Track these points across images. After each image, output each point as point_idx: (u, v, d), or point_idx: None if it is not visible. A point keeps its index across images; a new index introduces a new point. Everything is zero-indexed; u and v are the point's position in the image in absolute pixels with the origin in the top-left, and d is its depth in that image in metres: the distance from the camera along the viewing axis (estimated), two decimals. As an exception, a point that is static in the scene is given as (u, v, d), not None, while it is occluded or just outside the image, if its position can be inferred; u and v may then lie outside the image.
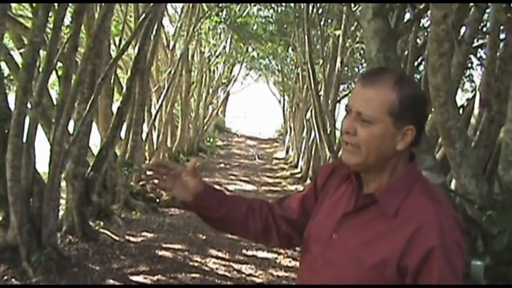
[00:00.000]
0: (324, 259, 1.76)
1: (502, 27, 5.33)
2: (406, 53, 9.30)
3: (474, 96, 6.45)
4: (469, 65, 10.59)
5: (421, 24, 8.53)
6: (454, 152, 3.62)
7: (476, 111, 5.08)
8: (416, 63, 9.16)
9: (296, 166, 18.89)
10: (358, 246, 1.68)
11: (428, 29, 9.10)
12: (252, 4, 17.06)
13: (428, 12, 6.84)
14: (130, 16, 11.50)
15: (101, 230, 8.18)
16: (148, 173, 1.95)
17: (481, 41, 8.65)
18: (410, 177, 1.71)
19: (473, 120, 5.14)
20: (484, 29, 7.73)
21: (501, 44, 5.15)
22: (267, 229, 1.98)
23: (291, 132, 22.55)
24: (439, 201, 1.66)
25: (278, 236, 1.99)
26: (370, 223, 1.69)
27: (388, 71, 1.75)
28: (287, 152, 23.20)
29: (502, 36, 5.55)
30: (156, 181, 1.93)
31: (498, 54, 5.04)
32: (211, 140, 24.69)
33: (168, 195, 11.32)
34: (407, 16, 7.48)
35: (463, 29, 6.34)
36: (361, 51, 15.46)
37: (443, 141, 3.75)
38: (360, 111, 1.64)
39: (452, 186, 4.61)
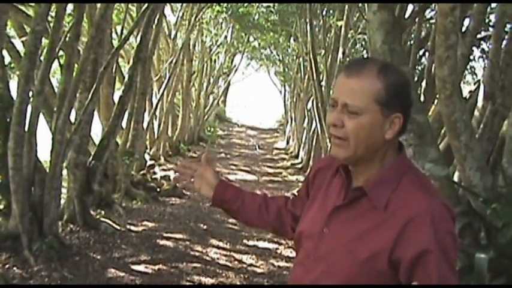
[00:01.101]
0: (315, 254, 1.74)
1: (507, 20, 5.31)
2: (407, 44, 9.29)
3: (477, 88, 6.44)
4: (471, 57, 10.57)
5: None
6: (459, 145, 3.61)
7: (480, 104, 5.06)
8: (418, 56, 9.15)
9: (297, 156, 18.89)
10: (349, 240, 1.66)
11: (431, 21, 9.09)
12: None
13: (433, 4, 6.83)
14: (132, 5, 11.46)
15: (102, 219, 8.19)
16: (177, 174, 2.19)
17: (483, 33, 8.63)
18: (399, 167, 1.69)
19: (476, 113, 5.12)
20: (487, 21, 7.71)
21: (506, 37, 5.13)
22: (281, 221, 2.08)
23: (291, 122, 22.53)
24: (430, 191, 1.64)
25: (292, 229, 2.03)
26: (360, 216, 1.67)
27: (372, 60, 1.74)
28: (287, 143, 23.20)
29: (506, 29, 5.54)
30: (184, 182, 2.21)
31: (503, 46, 5.02)
32: (212, 129, 24.67)
33: (170, 184, 11.36)
34: (411, 9, 7.48)
35: (466, 21, 6.33)
36: (363, 42, 15.41)
37: (449, 133, 3.74)
38: (347, 102, 1.62)
39: (455, 178, 4.61)
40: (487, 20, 7.94)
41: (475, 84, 10.49)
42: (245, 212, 2.12)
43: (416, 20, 7.06)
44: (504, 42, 5.08)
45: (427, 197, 1.60)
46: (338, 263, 1.67)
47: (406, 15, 7.14)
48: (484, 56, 11.02)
